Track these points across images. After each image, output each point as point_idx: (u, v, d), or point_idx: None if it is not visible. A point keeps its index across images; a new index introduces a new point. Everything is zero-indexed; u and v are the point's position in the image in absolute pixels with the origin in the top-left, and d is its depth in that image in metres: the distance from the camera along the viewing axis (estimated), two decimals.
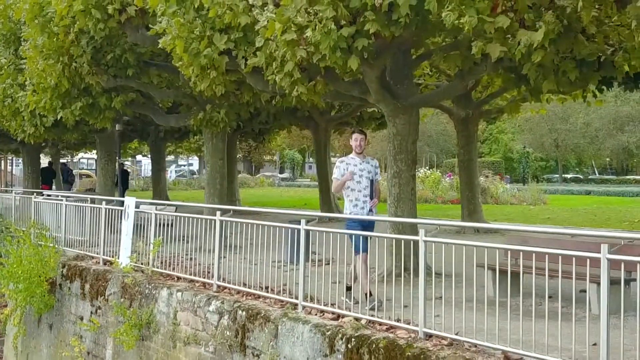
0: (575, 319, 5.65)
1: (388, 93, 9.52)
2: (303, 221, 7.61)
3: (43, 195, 15.44)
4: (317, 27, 7.57)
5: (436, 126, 44.36)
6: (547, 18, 6.69)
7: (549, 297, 5.76)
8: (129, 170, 39.07)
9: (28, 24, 12.65)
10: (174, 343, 9.00)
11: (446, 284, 6.98)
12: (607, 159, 49.42)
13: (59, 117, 13.68)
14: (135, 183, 47.67)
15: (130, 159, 64.20)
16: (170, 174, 67.35)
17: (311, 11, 7.66)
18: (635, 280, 6.70)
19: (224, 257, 9.12)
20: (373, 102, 9.64)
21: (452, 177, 29.48)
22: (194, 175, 58.86)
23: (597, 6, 6.09)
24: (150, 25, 10.36)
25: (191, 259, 10.22)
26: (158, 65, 13.09)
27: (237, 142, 26.61)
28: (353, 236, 7.33)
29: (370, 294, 7.32)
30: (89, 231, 12.12)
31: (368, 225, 7.75)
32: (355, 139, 7.89)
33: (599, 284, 7.19)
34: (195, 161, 77.71)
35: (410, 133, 9.84)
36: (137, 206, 10.86)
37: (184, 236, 10.40)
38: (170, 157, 71.27)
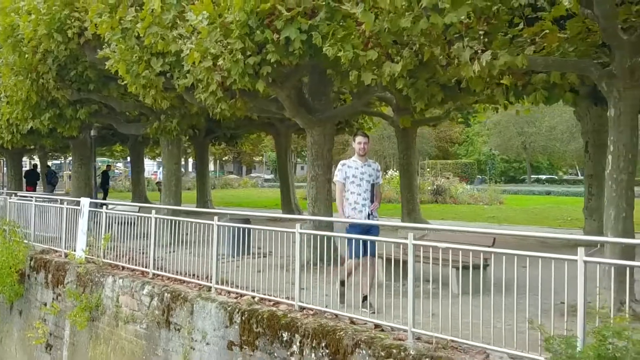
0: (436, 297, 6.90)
1: (304, 108, 11.08)
2: (216, 218, 9.17)
3: (17, 196, 16.93)
4: (227, 57, 9.12)
5: None
6: (405, 53, 8.25)
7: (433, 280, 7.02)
8: (113, 171, 40.50)
9: (1, 44, 14.17)
10: (116, 322, 10.54)
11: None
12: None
13: (29, 127, 15.21)
14: (122, 184, 49.12)
15: (122, 160, 65.69)
16: (160, 175, 68.82)
17: (223, 43, 9.20)
18: (488, 265, 8.01)
19: (173, 251, 10.58)
20: (289, 117, 11.16)
21: None
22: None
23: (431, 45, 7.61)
24: (98, 50, 11.89)
25: (143, 252, 11.71)
26: (117, 79, 14.60)
27: (210, 146, 28.03)
28: (353, 241, 7.36)
29: (365, 298, 7.41)
30: (53, 228, 13.63)
31: (369, 230, 7.71)
32: (358, 142, 7.86)
33: (457, 268, 8.77)
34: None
35: (326, 142, 11.42)
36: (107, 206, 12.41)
37: (143, 234, 11.73)
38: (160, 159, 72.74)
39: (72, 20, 12.52)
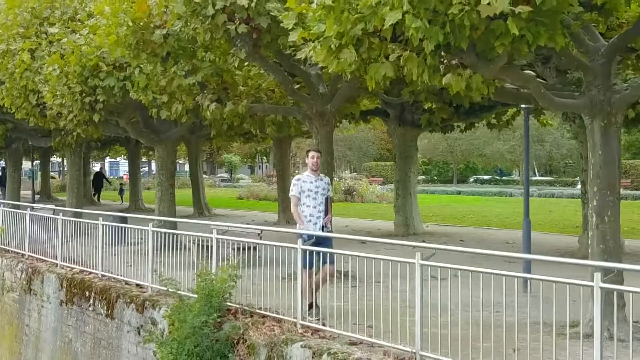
0: None
1: (150, 130, 14.62)
2: (61, 214, 12.69)
3: None
4: (69, 97, 12.66)
5: (359, 132, 49.23)
6: (184, 98, 11.76)
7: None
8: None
9: None
10: (2, 292, 14.08)
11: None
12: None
13: None
14: None
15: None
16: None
17: (67, 86, 12.74)
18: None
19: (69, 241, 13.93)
20: (134, 137, 14.70)
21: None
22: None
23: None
24: None
25: (44, 242, 15.16)
26: None
27: (143, 152, 31.47)
28: (307, 253, 7.35)
29: (317, 306, 7.52)
30: None
31: (323, 242, 7.71)
32: (311, 157, 8.00)
33: (234, 249, 12.18)
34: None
35: (169, 156, 14.98)
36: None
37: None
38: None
39: None
